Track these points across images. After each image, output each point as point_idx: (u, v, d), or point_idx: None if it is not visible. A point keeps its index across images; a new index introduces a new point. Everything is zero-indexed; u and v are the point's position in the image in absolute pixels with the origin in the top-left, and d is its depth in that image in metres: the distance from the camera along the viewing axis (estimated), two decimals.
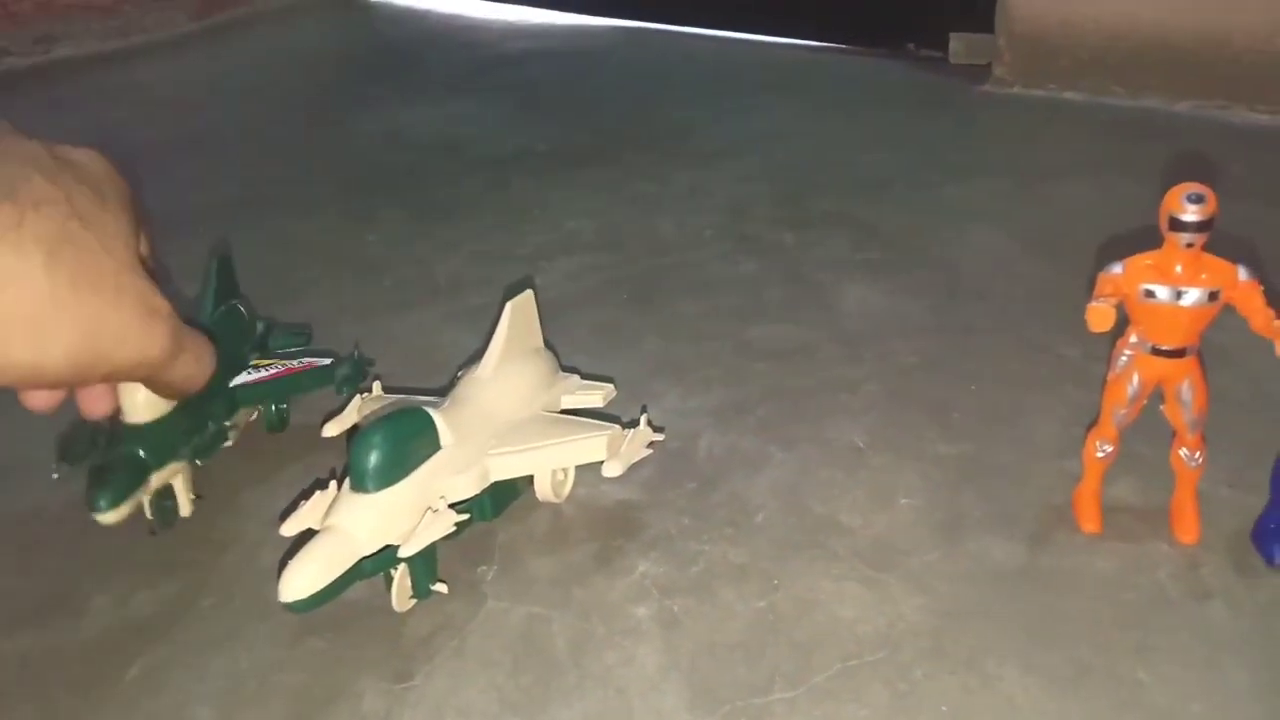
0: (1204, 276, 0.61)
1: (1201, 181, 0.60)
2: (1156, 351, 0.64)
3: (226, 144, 1.61)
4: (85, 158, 0.35)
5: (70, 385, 0.35)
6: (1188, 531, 0.69)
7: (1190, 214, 0.59)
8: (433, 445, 0.66)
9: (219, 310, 0.82)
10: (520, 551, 0.71)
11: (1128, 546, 0.69)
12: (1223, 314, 0.63)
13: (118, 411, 0.69)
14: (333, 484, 0.65)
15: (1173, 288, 0.61)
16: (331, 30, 2.30)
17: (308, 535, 0.62)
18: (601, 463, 0.70)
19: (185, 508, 0.75)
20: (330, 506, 0.63)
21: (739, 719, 0.58)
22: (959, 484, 0.75)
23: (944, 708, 0.58)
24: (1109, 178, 1.28)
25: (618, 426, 0.72)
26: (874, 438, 0.81)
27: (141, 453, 0.69)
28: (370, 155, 1.52)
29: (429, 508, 0.65)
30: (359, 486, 0.62)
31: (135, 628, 0.67)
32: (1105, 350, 0.69)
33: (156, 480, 0.71)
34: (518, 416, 0.73)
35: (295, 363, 0.83)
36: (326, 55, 2.13)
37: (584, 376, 0.82)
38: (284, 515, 0.66)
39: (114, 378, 0.34)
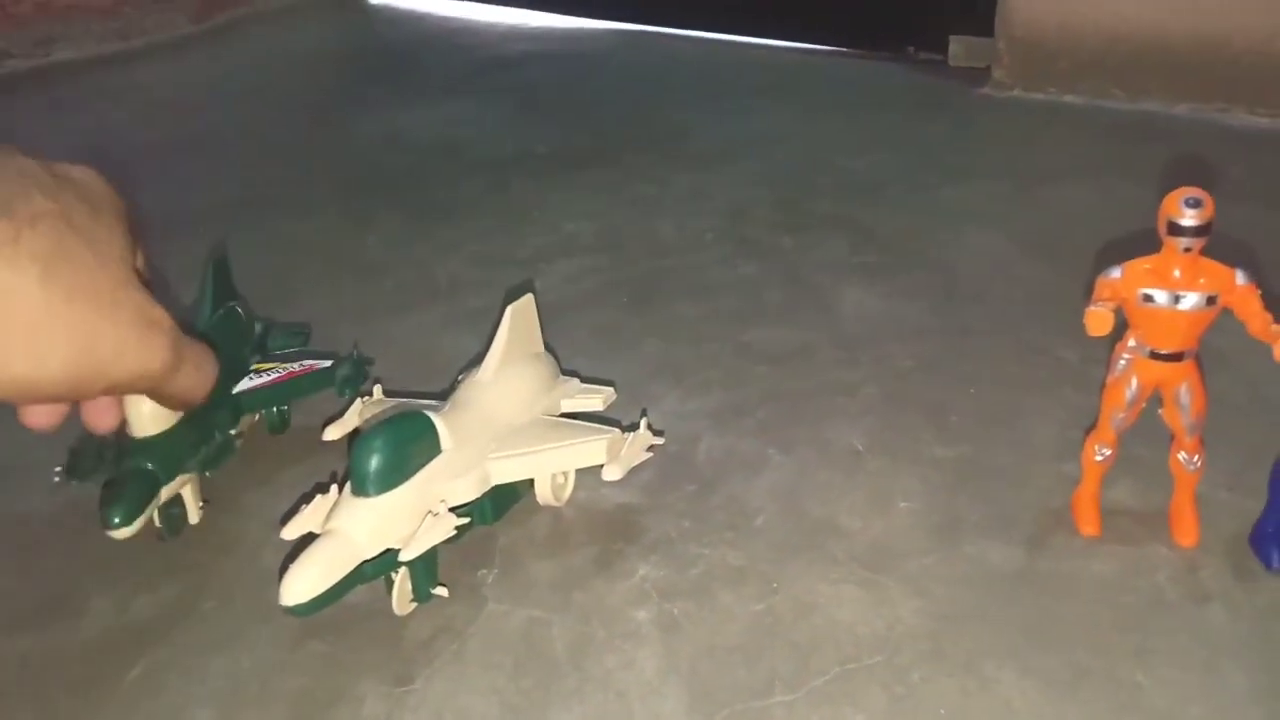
0: (1202, 281, 0.61)
1: (1200, 185, 0.60)
2: (1155, 355, 0.64)
3: (226, 145, 1.61)
4: (81, 174, 0.35)
5: (70, 399, 0.34)
6: (1186, 534, 0.69)
7: (1188, 219, 0.59)
8: (433, 449, 0.66)
9: (217, 314, 0.82)
10: (520, 555, 0.71)
11: (1126, 549, 0.69)
12: (1221, 318, 0.63)
13: (125, 426, 0.70)
14: (333, 488, 0.66)
15: (1171, 292, 0.61)
16: (331, 32, 2.30)
17: (309, 539, 0.62)
18: (601, 466, 0.70)
19: (194, 515, 0.75)
20: (331, 510, 0.63)
21: None
22: (957, 487, 0.76)
23: (942, 711, 0.58)
24: (1108, 180, 1.28)
25: (617, 430, 0.73)
26: (872, 440, 0.81)
27: (150, 466, 0.69)
28: (370, 157, 1.52)
29: (429, 511, 0.65)
30: (360, 490, 0.63)
31: (136, 630, 0.67)
32: (1103, 353, 0.69)
33: (166, 493, 0.71)
34: (518, 420, 0.73)
35: (296, 365, 0.83)
36: (326, 57, 2.13)
37: (584, 379, 0.82)
38: (285, 519, 0.66)
39: (115, 390, 0.35)
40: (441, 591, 0.66)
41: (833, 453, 0.80)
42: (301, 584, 0.59)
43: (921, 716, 0.58)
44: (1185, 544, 0.69)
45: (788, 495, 0.75)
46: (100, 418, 0.40)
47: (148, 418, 0.70)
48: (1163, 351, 0.64)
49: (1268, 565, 0.66)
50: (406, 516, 0.63)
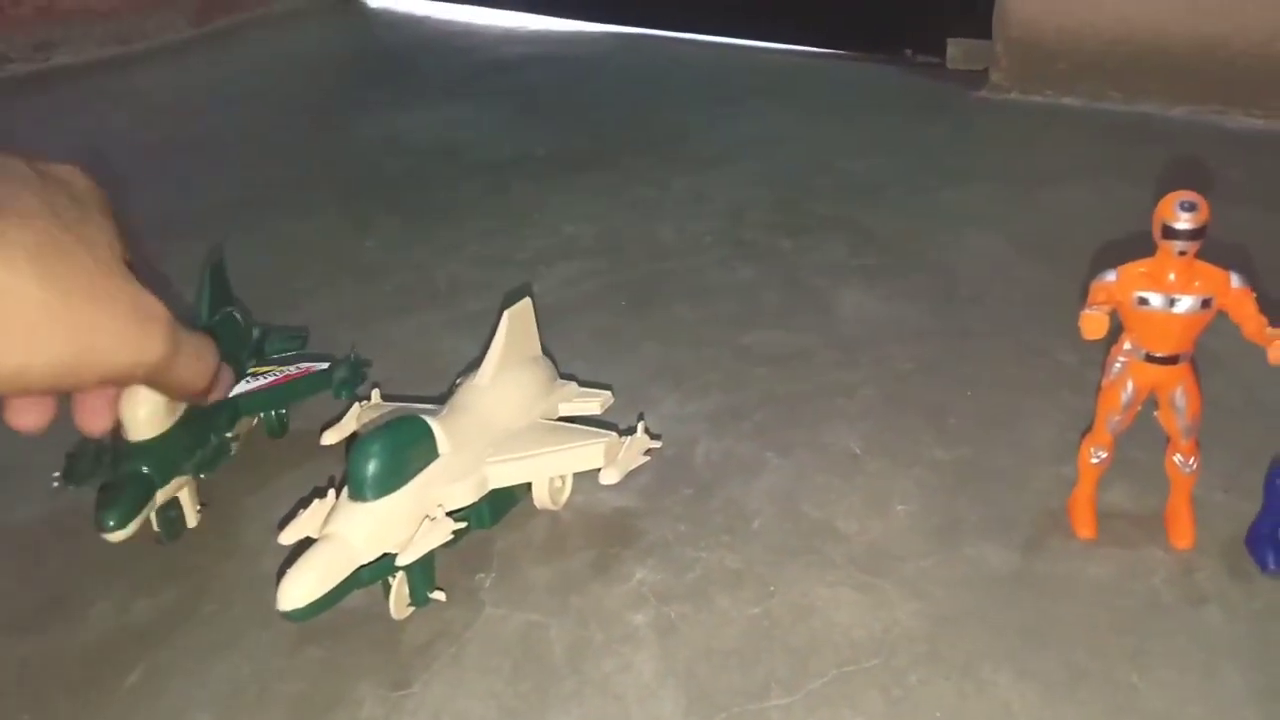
0: (1197, 284, 0.61)
1: (1197, 187, 0.60)
2: (1150, 358, 0.64)
3: (226, 148, 1.62)
4: (66, 173, 0.35)
5: (68, 390, 0.35)
6: (1182, 537, 0.69)
7: (1183, 222, 0.59)
8: (431, 453, 0.67)
9: (214, 318, 0.82)
10: (518, 559, 0.71)
11: (1123, 552, 0.69)
12: (1217, 320, 0.63)
13: (121, 430, 0.70)
14: (331, 492, 0.66)
15: (1166, 295, 0.61)
16: (331, 35, 2.31)
17: (306, 543, 0.63)
18: (599, 470, 0.71)
19: (192, 519, 0.75)
20: (328, 515, 0.63)
21: None
22: (955, 489, 0.76)
23: (939, 713, 0.58)
24: (1106, 182, 1.28)
25: (615, 434, 0.73)
26: (870, 443, 0.81)
27: (146, 469, 0.70)
28: (369, 159, 1.52)
29: (427, 516, 0.65)
30: (357, 495, 0.63)
31: (135, 633, 0.67)
32: (1102, 356, 0.69)
33: (162, 496, 0.71)
34: (515, 424, 0.73)
35: (292, 368, 0.84)
36: (325, 60, 2.13)
37: (582, 383, 0.82)
38: (283, 523, 0.66)
39: (114, 381, 0.35)
40: (439, 596, 0.66)
41: (831, 455, 0.80)
42: (299, 589, 0.59)
43: (919, 719, 0.58)
44: (1181, 546, 0.69)
45: (785, 498, 0.76)
46: (93, 420, 0.40)
47: (143, 422, 0.70)
48: (1158, 354, 0.64)
49: (1263, 567, 0.66)
50: (404, 521, 0.64)
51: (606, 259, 1.16)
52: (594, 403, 0.79)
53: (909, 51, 1.83)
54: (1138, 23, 1.51)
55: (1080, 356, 0.89)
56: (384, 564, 0.63)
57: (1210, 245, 0.60)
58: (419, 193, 1.39)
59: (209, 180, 1.47)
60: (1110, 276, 0.63)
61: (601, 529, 0.74)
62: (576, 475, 0.75)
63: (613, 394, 0.82)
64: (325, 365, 0.85)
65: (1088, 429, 0.70)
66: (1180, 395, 0.65)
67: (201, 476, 0.75)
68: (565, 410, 0.79)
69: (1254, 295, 0.62)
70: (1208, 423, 0.67)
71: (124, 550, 0.72)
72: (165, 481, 0.71)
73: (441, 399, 0.76)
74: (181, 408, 0.73)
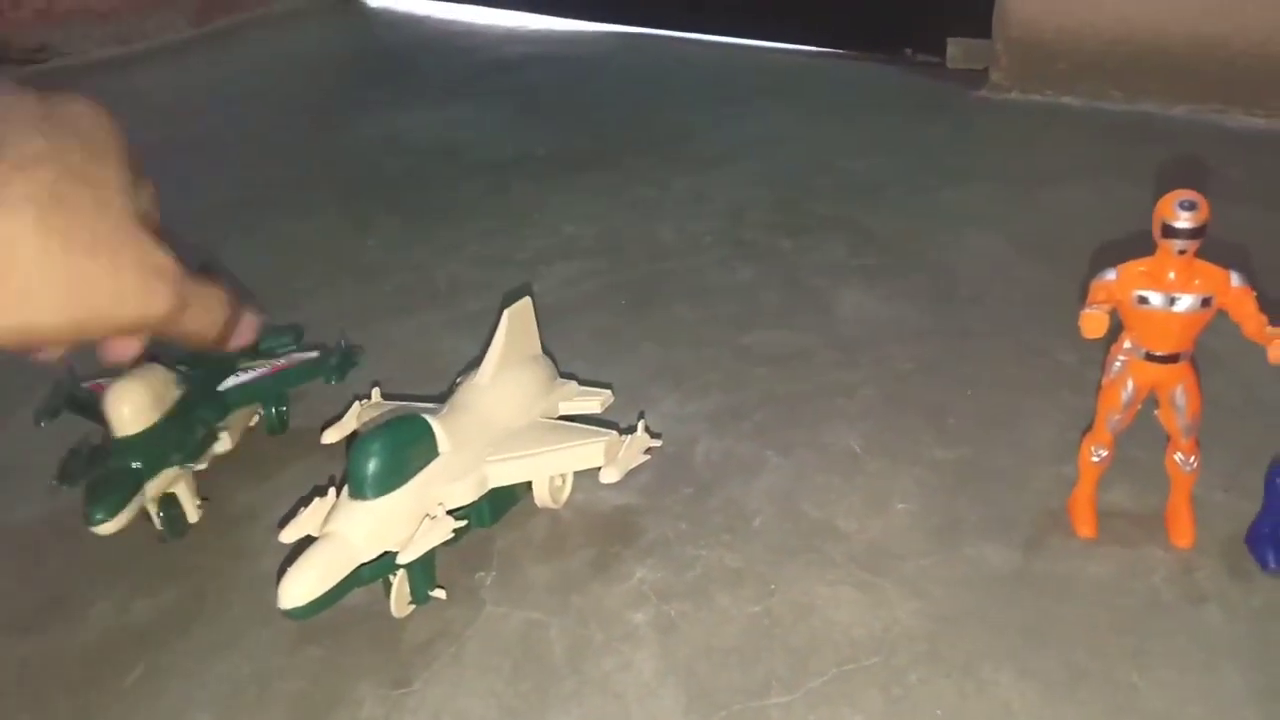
0: (1197, 283, 0.61)
1: (1197, 186, 0.60)
2: (1150, 357, 0.64)
3: (226, 148, 1.62)
4: (79, 108, 0.34)
5: (71, 343, 0.33)
6: (1182, 536, 0.69)
7: (1183, 221, 0.59)
8: (431, 452, 0.67)
9: None
10: (518, 557, 0.71)
11: (1123, 551, 0.69)
12: (1217, 319, 0.63)
13: (108, 429, 0.71)
14: (331, 491, 0.66)
15: (1166, 294, 0.61)
16: (331, 35, 2.31)
17: (307, 542, 0.63)
18: (599, 469, 0.71)
19: (192, 514, 0.75)
20: (329, 513, 0.63)
21: None
22: (955, 489, 0.76)
23: (939, 712, 0.58)
24: (1106, 182, 1.28)
25: (615, 432, 0.73)
26: (870, 443, 0.81)
27: (134, 464, 0.70)
28: (369, 159, 1.52)
29: (427, 514, 0.65)
30: (358, 493, 0.63)
31: (135, 633, 0.67)
32: (1102, 355, 0.69)
33: (153, 489, 0.71)
34: (516, 423, 0.73)
35: (282, 359, 0.84)
36: (326, 60, 2.14)
37: (582, 382, 0.82)
38: (283, 522, 0.66)
39: (119, 333, 0.34)
40: (439, 594, 0.67)
41: (831, 455, 0.80)
42: (299, 587, 0.59)
43: (919, 718, 0.58)
44: (1181, 545, 0.69)
45: (785, 497, 0.76)
46: (119, 351, 0.39)
47: (128, 418, 0.70)
48: (1158, 353, 0.64)
49: (1263, 566, 0.66)
50: (404, 519, 0.64)
51: (607, 259, 1.16)
52: (594, 401, 0.80)
53: (909, 51, 1.83)
54: (1138, 22, 1.51)
55: (1080, 356, 0.89)
56: (385, 562, 0.63)
57: (1210, 244, 0.60)
58: (419, 193, 1.39)
59: (209, 180, 1.47)
60: (1110, 275, 0.63)
61: (602, 527, 0.74)
62: (577, 474, 0.75)
63: (612, 393, 0.82)
64: (315, 354, 0.85)
65: (1088, 428, 0.70)
66: (1180, 394, 0.65)
67: (190, 467, 0.75)
68: (566, 409, 0.79)
69: (1254, 294, 0.61)
70: (1208, 422, 0.67)
71: (124, 550, 0.72)
72: (153, 474, 0.71)
73: (442, 398, 0.76)
74: (168, 402, 0.73)
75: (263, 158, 1.55)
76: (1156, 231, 0.60)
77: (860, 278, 1.08)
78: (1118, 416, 0.67)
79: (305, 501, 0.66)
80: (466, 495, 0.67)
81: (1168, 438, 0.68)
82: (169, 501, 0.74)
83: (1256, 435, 0.77)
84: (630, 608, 0.66)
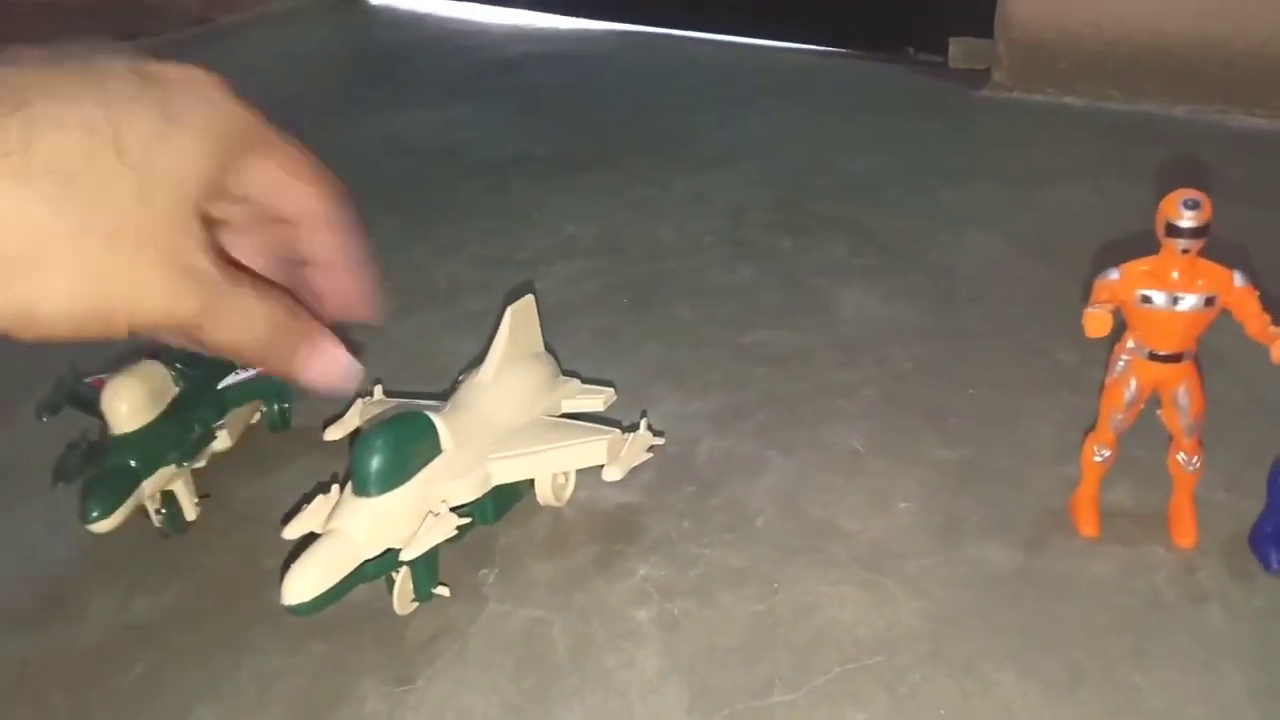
0: (1200, 282, 0.61)
1: (1198, 186, 0.60)
2: (1153, 357, 0.65)
3: None
4: (182, 75, 0.30)
5: (79, 338, 0.29)
6: (1185, 536, 0.69)
7: (1186, 220, 0.59)
8: (434, 449, 0.67)
9: None
10: (521, 555, 0.71)
11: (1125, 551, 0.69)
12: (1220, 319, 0.63)
13: (105, 425, 0.71)
14: (335, 487, 0.66)
15: (1169, 293, 0.62)
16: (332, 34, 2.30)
17: (310, 539, 0.63)
18: (602, 466, 0.71)
19: (190, 511, 0.75)
20: (332, 510, 0.63)
21: None
22: (957, 488, 0.76)
23: (942, 711, 0.58)
24: (1106, 181, 1.28)
25: (618, 431, 0.73)
26: (872, 442, 0.81)
27: (131, 462, 0.70)
28: (369, 159, 1.52)
29: (430, 511, 0.65)
30: (361, 490, 0.63)
31: (136, 630, 0.67)
32: (1101, 354, 0.69)
33: (150, 487, 0.71)
34: (519, 421, 0.73)
35: None
36: (326, 59, 2.13)
37: (584, 381, 0.82)
38: (286, 518, 0.66)
39: (137, 333, 0.30)
40: (443, 591, 0.67)
41: (833, 454, 0.80)
42: (303, 584, 0.59)
43: (921, 717, 0.58)
44: (1183, 545, 0.69)
45: (788, 496, 0.76)
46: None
47: (125, 416, 0.70)
48: (1161, 353, 0.64)
49: (1266, 566, 0.66)
50: (408, 516, 0.64)
51: (607, 259, 1.16)
52: (597, 400, 0.80)
53: (911, 50, 1.83)
54: (1139, 22, 1.51)
55: (1080, 356, 0.89)
56: (388, 559, 0.63)
57: (1212, 244, 0.60)
58: (418, 192, 1.39)
59: None
60: (1113, 275, 0.63)
61: (604, 525, 0.74)
62: (579, 472, 0.75)
63: (615, 392, 0.82)
64: None
65: (1091, 427, 0.70)
66: (1183, 394, 0.65)
67: (186, 466, 0.75)
68: (568, 407, 0.79)
69: (1257, 294, 0.62)
70: (1210, 421, 0.67)
71: (124, 548, 0.72)
72: (149, 472, 0.71)
73: (443, 396, 0.76)
74: (166, 400, 0.73)
75: None
76: (1160, 231, 0.60)
77: (861, 277, 1.08)
78: (1120, 416, 0.67)
79: (308, 498, 0.66)
80: (470, 492, 0.67)
81: (1170, 437, 0.68)
82: (168, 499, 0.74)
83: (1259, 435, 0.77)
84: (633, 606, 0.66)
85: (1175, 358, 0.64)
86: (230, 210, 0.34)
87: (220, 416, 0.79)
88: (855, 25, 1.89)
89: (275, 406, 0.84)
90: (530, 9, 2.25)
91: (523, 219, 1.27)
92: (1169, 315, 0.62)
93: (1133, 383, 0.66)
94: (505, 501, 0.72)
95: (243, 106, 0.32)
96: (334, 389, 0.34)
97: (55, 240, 0.27)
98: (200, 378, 0.78)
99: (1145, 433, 0.69)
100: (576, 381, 0.81)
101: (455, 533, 0.65)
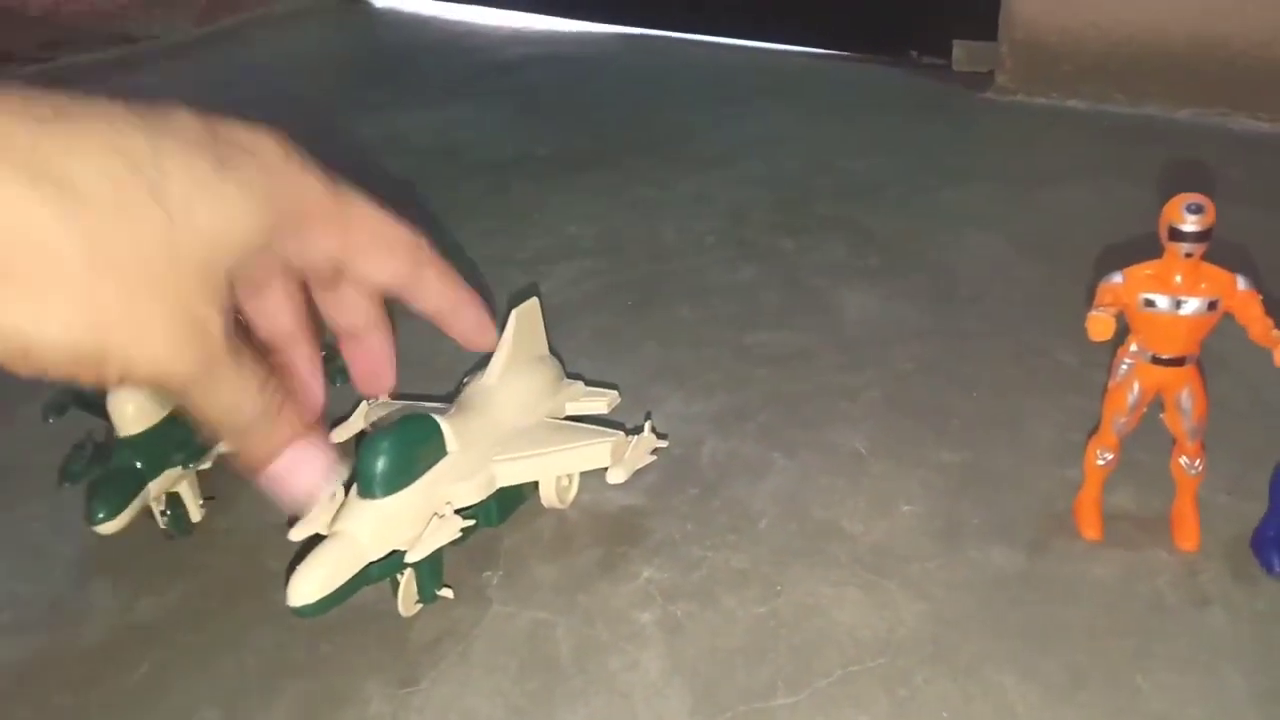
0: (1203, 286, 0.61)
1: (1201, 189, 0.60)
2: (1156, 360, 0.65)
3: None
4: (249, 136, 0.29)
5: (72, 375, 0.27)
6: (1187, 539, 0.69)
7: (1190, 224, 0.59)
8: (439, 451, 0.67)
9: None
10: (525, 557, 0.71)
11: (1127, 554, 0.69)
12: (1223, 321, 0.63)
13: (110, 426, 0.71)
14: (340, 489, 0.66)
15: (1172, 297, 0.62)
16: (333, 35, 2.30)
17: (315, 540, 0.63)
18: (606, 469, 0.71)
19: (195, 513, 0.75)
20: (338, 512, 0.64)
21: None
22: (959, 491, 0.76)
23: (944, 714, 0.58)
24: (1108, 183, 1.29)
25: (621, 433, 0.73)
26: (874, 444, 0.81)
27: (136, 463, 0.70)
28: (370, 160, 1.52)
29: (435, 513, 0.65)
30: (366, 492, 0.63)
31: (141, 631, 0.67)
32: (1103, 356, 0.70)
33: (156, 489, 0.71)
34: (523, 423, 0.73)
35: None
36: (328, 60, 2.14)
37: (587, 383, 0.82)
38: (291, 520, 0.66)
39: (131, 383, 0.28)
40: (447, 593, 0.67)
41: (835, 456, 0.80)
42: (309, 585, 0.59)
43: (924, 719, 0.58)
44: (1186, 548, 0.69)
45: (790, 498, 0.76)
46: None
47: (131, 417, 0.71)
48: (1164, 356, 0.64)
49: (1268, 570, 0.66)
50: (413, 518, 0.64)
51: (608, 259, 1.16)
52: (600, 402, 0.80)
53: (914, 53, 1.83)
54: (1141, 25, 1.51)
55: (1082, 358, 0.90)
56: (393, 561, 0.63)
57: (1215, 247, 0.60)
58: (420, 192, 1.38)
59: None
60: (1117, 278, 0.63)
61: (608, 528, 0.74)
62: (583, 474, 0.75)
63: (619, 394, 0.82)
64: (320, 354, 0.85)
65: (1094, 430, 0.70)
66: (1186, 397, 0.65)
67: (192, 468, 0.75)
68: (572, 409, 0.79)
69: (1260, 298, 0.62)
70: (1213, 425, 0.67)
71: (128, 548, 0.73)
72: (155, 474, 0.71)
73: (448, 398, 0.76)
74: (172, 401, 0.73)
75: None
76: (1163, 234, 0.61)
77: (862, 278, 1.09)
78: (1123, 419, 0.67)
79: None
80: (474, 494, 0.67)
81: (1173, 441, 0.69)
82: (173, 501, 0.74)
83: (1262, 438, 0.77)
84: (637, 608, 0.66)
85: (1178, 361, 0.64)
86: (271, 274, 0.33)
87: None
88: (857, 28, 1.89)
89: None
90: (532, 11, 2.25)
91: (523, 219, 1.28)
92: (1172, 319, 0.62)
93: (1136, 386, 0.66)
94: (509, 504, 0.72)
95: (310, 175, 0.31)
96: (300, 496, 0.32)
97: (59, 259, 0.25)
98: None
99: (1148, 436, 0.69)
100: (580, 384, 0.81)
101: (460, 535, 0.65)
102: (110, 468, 0.70)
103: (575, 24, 2.20)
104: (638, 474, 0.73)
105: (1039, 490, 0.75)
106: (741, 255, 1.15)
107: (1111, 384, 0.68)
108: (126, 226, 0.26)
